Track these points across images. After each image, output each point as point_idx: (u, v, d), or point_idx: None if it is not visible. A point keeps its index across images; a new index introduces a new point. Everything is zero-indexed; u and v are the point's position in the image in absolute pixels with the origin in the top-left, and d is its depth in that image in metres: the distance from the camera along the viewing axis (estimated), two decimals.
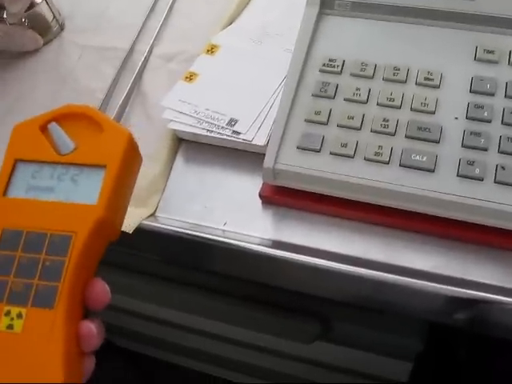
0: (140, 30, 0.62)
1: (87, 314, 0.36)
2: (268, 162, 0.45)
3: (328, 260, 0.46)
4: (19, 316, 0.33)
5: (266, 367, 0.82)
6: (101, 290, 0.36)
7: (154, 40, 0.61)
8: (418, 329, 0.66)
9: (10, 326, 0.33)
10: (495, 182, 0.42)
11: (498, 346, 0.76)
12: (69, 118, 0.37)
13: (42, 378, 0.32)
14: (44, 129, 0.37)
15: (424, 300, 0.45)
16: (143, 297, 0.70)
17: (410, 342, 0.67)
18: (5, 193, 0.36)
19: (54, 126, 0.37)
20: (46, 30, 0.63)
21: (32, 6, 0.61)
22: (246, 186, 0.50)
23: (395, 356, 0.70)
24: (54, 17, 0.63)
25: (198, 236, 0.48)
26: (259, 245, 0.47)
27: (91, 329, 0.34)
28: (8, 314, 0.33)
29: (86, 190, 0.35)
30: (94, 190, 0.35)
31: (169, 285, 0.67)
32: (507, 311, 0.43)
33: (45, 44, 0.64)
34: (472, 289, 0.43)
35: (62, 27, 0.65)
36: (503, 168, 0.42)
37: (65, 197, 0.36)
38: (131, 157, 0.37)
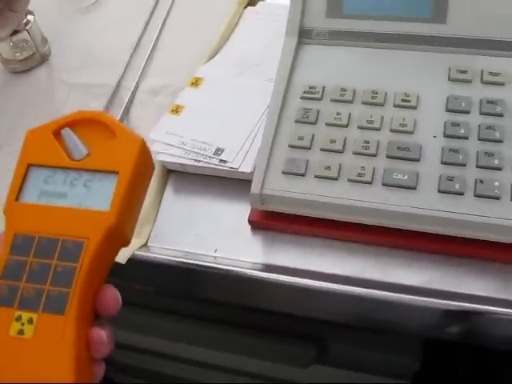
0: (126, 66, 0.64)
1: (98, 320, 0.36)
2: (255, 187, 0.47)
3: (320, 281, 0.47)
4: (30, 321, 0.33)
5: None
6: (112, 296, 0.35)
7: (140, 75, 0.63)
8: (413, 347, 0.67)
9: (21, 332, 0.33)
10: (475, 195, 0.44)
11: (498, 362, 0.77)
12: (82, 123, 0.37)
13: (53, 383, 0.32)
14: (57, 134, 0.37)
15: (419, 315, 0.46)
16: (134, 327, 0.70)
17: (406, 361, 0.67)
18: (17, 198, 0.36)
19: (67, 132, 0.37)
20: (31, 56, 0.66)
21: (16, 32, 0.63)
22: (235, 213, 0.51)
23: (392, 375, 0.70)
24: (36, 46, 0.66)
25: (189, 263, 0.49)
26: (251, 269, 0.48)
27: (102, 335, 0.34)
28: (19, 319, 0.33)
29: (99, 196, 0.35)
30: (107, 196, 0.35)
31: (160, 315, 0.68)
32: (500, 321, 0.44)
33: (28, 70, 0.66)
34: (465, 301, 0.44)
35: (44, 58, 0.67)
36: (482, 182, 0.44)
37: (77, 203, 0.35)
38: (144, 163, 0.37)
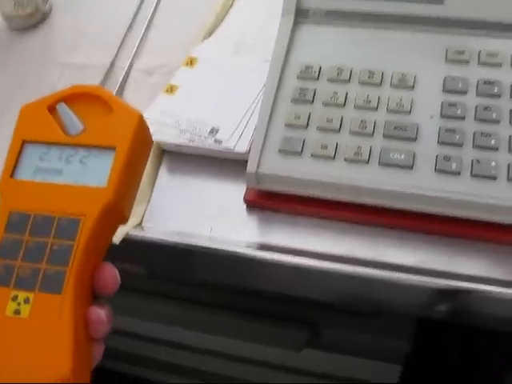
0: (120, 46, 0.63)
1: (96, 299, 0.35)
2: (251, 166, 0.46)
3: (315, 259, 0.47)
4: (26, 301, 0.33)
5: (254, 380, 0.82)
6: (110, 274, 0.35)
7: (134, 55, 0.62)
8: (405, 330, 0.67)
9: (17, 311, 0.33)
10: (472, 175, 0.44)
11: (489, 344, 0.77)
12: (77, 98, 0.36)
13: (50, 363, 0.32)
14: (52, 109, 0.36)
15: (412, 294, 0.46)
16: (127, 312, 0.70)
17: (398, 344, 0.68)
18: (12, 175, 0.35)
19: (62, 107, 0.36)
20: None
21: None
22: (230, 193, 0.51)
23: (384, 359, 0.70)
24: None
25: (184, 243, 0.49)
26: (246, 248, 0.48)
27: (100, 314, 0.34)
28: (15, 298, 0.33)
29: (95, 173, 0.35)
30: (104, 172, 0.34)
31: (153, 299, 0.67)
32: (493, 301, 0.44)
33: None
34: (458, 280, 0.44)
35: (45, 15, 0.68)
36: (478, 162, 0.44)
37: (73, 179, 0.35)
38: (141, 138, 0.36)
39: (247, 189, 0.49)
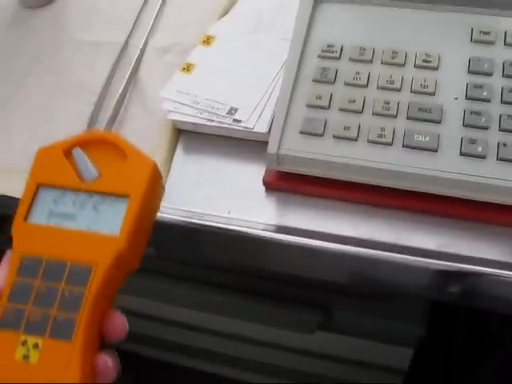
0: (134, 24, 0.62)
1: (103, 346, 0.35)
2: (272, 147, 0.46)
3: (332, 242, 0.46)
4: (36, 346, 0.33)
5: (267, 362, 0.82)
6: (119, 322, 0.35)
7: (149, 33, 0.61)
8: (417, 314, 0.67)
9: (26, 357, 0.32)
10: (497, 159, 0.43)
11: (500, 328, 0.77)
12: (93, 143, 0.37)
13: None
14: (68, 153, 0.37)
15: (426, 277, 0.45)
16: (138, 292, 0.70)
17: (411, 328, 0.67)
18: (26, 218, 0.35)
19: (78, 152, 0.36)
20: None
21: None
22: (249, 174, 0.50)
23: (396, 343, 0.70)
24: None
25: (201, 224, 0.48)
26: (264, 230, 0.47)
27: (107, 362, 0.34)
28: (25, 343, 0.33)
29: (108, 220, 0.35)
30: (117, 220, 0.34)
31: (165, 280, 0.67)
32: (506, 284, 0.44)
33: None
34: (479, 265, 0.44)
35: None
36: (505, 145, 0.43)
37: (86, 226, 0.35)
38: (154, 187, 0.37)
39: (266, 170, 0.48)
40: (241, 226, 0.48)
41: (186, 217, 0.49)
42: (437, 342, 0.80)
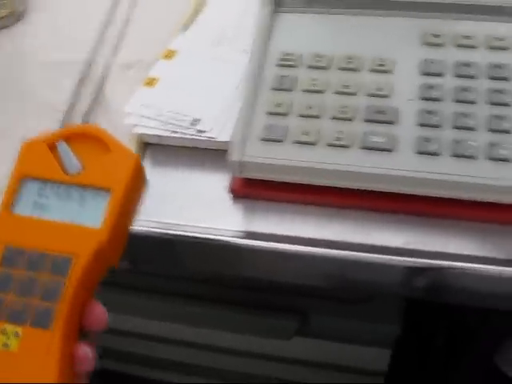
0: (98, 42, 0.63)
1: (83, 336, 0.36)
2: (234, 155, 0.47)
3: (302, 245, 0.47)
4: (16, 335, 0.33)
5: (244, 371, 0.82)
6: (99, 313, 0.36)
7: (113, 50, 0.62)
8: (393, 314, 0.68)
9: (6, 345, 0.33)
10: (451, 155, 0.44)
11: (472, 329, 0.78)
12: (77, 137, 0.38)
13: None
14: (52, 147, 0.37)
15: (395, 275, 0.46)
16: (112, 308, 0.70)
17: (388, 328, 0.68)
18: (10, 209, 0.36)
19: (62, 145, 0.37)
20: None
21: None
22: (215, 183, 0.51)
23: (374, 344, 0.71)
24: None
25: (170, 234, 0.49)
26: (233, 237, 0.48)
27: (87, 352, 0.35)
28: (4, 332, 0.33)
29: (91, 213, 0.36)
30: (99, 212, 0.36)
31: (137, 293, 0.67)
32: (478, 278, 0.45)
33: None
34: (444, 259, 0.45)
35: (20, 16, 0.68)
36: (458, 142, 0.45)
37: (69, 218, 0.36)
38: (137, 181, 0.38)
39: (232, 178, 0.49)
40: (210, 234, 0.49)
41: (157, 228, 0.49)
42: (414, 341, 0.81)
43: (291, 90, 0.49)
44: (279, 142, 0.47)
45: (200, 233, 0.49)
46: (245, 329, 0.68)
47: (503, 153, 0.44)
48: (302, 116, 0.47)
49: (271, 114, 0.48)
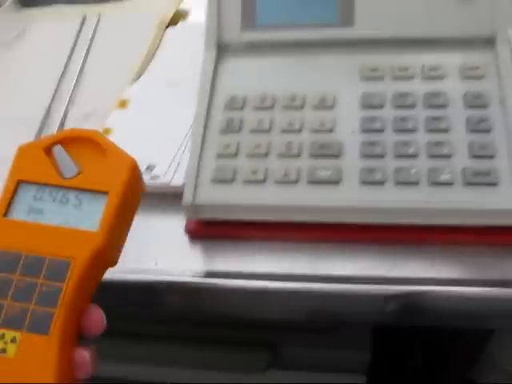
0: (54, 95, 0.64)
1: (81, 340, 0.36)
2: (187, 198, 0.48)
3: (259, 280, 0.48)
4: (13, 340, 0.33)
5: None
6: (97, 317, 0.36)
7: (69, 103, 0.63)
8: (363, 340, 0.69)
9: (3, 350, 0.33)
10: (395, 183, 0.46)
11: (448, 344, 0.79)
12: (74, 141, 0.37)
13: None
14: (49, 151, 0.37)
15: (356, 303, 0.48)
16: None
17: (358, 355, 0.69)
18: (6, 214, 0.36)
19: (58, 149, 0.37)
20: None
21: None
22: (172, 226, 0.52)
23: (347, 371, 0.71)
24: None
25: (133, 279, 0.50)
26: (191, 277, 0.49)
27: (85, 356, 0.34)
28: (2, 337, 0.33)
29: (87, 216, 0.36)
30: (96, 216, 0.35)
31: (106, 337, 0.67)
32: (430, 299, 0.46)
33: None
34: (398, 284, 0.46)
35: None
36: (400, 170, 0.46)
37: (66, 221, 0.36)
38: (134, 184, 0.38)
39: (187, 220, 0.51)
40: (170, 276, 0.49)
41: (115, 271, 0.50)
42: (388, 365, 0.82)
43: (238, 132, 0.50)
44: (229, 182, 0.48)
45: (160, 275, 0.50)
46: (218, 366, 0.69)
47: (444, 177, 0.46)
48: (250, 156, 0.49)
49: (220, 156, 0.49)
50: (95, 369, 0.35)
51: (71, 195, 0.36)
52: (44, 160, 0.37)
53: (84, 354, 0.35)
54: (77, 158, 0.37)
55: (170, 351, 0.66)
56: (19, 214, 0.36)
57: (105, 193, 0.36)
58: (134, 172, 0.38)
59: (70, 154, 0.37)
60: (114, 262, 0.38)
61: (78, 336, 0.35)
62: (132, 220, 0.39)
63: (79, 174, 0.37)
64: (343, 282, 0.47)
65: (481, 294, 0.46)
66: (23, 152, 0.38)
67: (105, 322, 0.36)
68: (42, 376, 0.33)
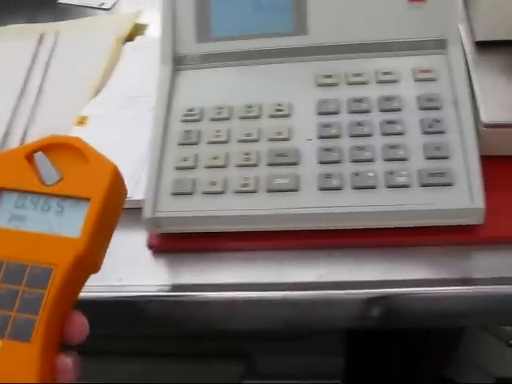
0: (12, 115, 0.64)
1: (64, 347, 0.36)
2: (147, 212, 0.48)
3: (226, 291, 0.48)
4: None
5: None
6: (80, 324, 0.35)
7: (28, 122, 0.63)
8: (336, 346, 0.69)
9: None
10: (352, 188, 0.46)
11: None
12: (55, 148, 0.37)
13: None
14: (30, 158, 0.37)
15: (319, 309, 0.48)
16: None
17: (332, 360, 0.69)
18: None
19: (40, 156, 0.37)
20: None
21: None
22: (135, 241, 0.52)
23: (322, 377, 0.72)
24: None
25: (94, 297, 0.49)
26: (157, 292, 0.49)
27: (68, 363, 0.34)
28: None
29: (69, 223, 0.36)
30: (77, 222, 0.35)
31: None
32: (393, 301, 0.47)
33: None
34: (361, 287, 0.46)
35: None
36: (357, 174, 0.47)
37: (47, 228, 0.35)
38: (116, 190, 0.38)
39: (149, 234, 0.50)
40: (134, 291, 0.49)
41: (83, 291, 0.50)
42: (363, 369, 0.82)
43: (196, 144, 0.50)
44: (189, 194, 0.48)
45: (125, 291, 0.49)
46: (192, 379, 0.68)
47: (400, 180, 0.46)
48: (209, 167, 0.49)
49: (179, 168, 0.49)
50: (78, 376, 0.35)
51: (53, 202, 0.36)
52: (25, 167, 0.37)
53: (67, 361, 0.34)
54: (58, 165, 0.37)
55: (141, 367, 0.66)
56: (1, 221, 0.36)
57: (87, 199, 0.36)
58: (116, 178, 0.38)
59: (52, 160, 0.37)
60: (96, 268, 0.38)
61: (60, 343, 0.35)
62: (115, 225, 0.39)
63: (61, 180, 0.37)
64: (310, 289, 0.47)
65: (448, 293, 0.47)
66: (4, 159, 0.38)
67: (88, 328, 0.36)
68: (24, 382, 0.33)
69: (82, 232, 0.35)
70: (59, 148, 0.38)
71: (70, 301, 0.36)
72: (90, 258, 0.36)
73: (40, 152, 0.37)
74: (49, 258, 0.35)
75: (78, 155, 0.37)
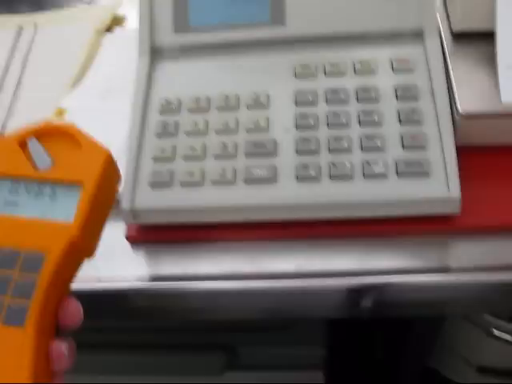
0: None
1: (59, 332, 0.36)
2: (125, 203, 0.48)
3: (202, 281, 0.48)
4: None
5: None
6: (74, 309, 0.36)
7: (7, 115, 0.62)
8: (317, 336, 0.69)
9: None
10: (330, 178, 0.47)
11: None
12: (48, 134, 0.38)
13: None
14: (23, 144, 0.37)
15: (300, 299, 0.48)
16: None
17: (313, 350, 0.70)
18: None
19: (33, 142, 0.37)
20: None
21: None
22: (113, 233, 0.51)
23: (304, 367, 0.72)
24: None
25: (73, 290, 0.49)
26: (136, 281, 0.49)
27: (62, 348, 0.34)
28: None
29: (63, 208, 0.36)
30: (71, 207, 0.36)
31: None
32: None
33: None
34: (338, 277, 0.47)
35: None
36: (334, 165, 0.47)
37: (41, 214, 0.36)
38: (109, 175, 0.38)
39: (127, 226, 0.50)
40: (113, 282, 0.49)
41: None
42: (345, 359, 0.83)
43: (174, 135, 0.50)
44: (167, 185, 0.48)
45: (104, 282, 0.49)
46: (174, 370, 0.69)
47: (378, 169, 0.47)
48: (186, 158, 0.49)
49: (157, 159, 0.49)
50: (72, 362, 0.35)
51: (46, 187, 0.37)
52: (18, 153, 0.37)
53: (61, 347, 0.35)
54: (51, 151, 0.37)
55: (122, 359, 0.66)
56: None
57: (79, 184, 0.36)
58: (109, 163, 0.38)
59: (45, 146, 0.37)
60: (91, 253, 0.38)
61: (54, 328, 0.35)
62: (110, 210, 0.39)
63: (54, 166, 0.37)
64: (289, 279, 0.48)
65: (427, 283, 0.47)
66: None
67: (82, 313, 0.36)
68: (17, 370, 0.33)
69: (75, 217, 0.36)
70: (53, 134, 0.38)
71: (65, 286, 0.36)
72: (84, 243, 0.36)
73: (33, 138, 0.37)
74: (42, 244, 0.35)
75: (71, 141, 0.38)
